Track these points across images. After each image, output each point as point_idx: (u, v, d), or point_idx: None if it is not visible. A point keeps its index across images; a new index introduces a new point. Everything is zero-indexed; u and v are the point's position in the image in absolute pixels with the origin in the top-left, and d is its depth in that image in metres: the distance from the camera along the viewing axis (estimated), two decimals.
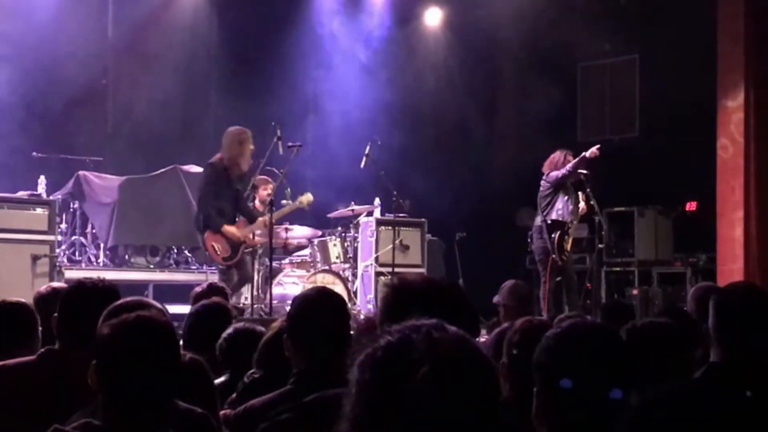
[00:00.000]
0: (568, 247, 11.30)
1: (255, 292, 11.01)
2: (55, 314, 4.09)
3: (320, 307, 3.64)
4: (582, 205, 11.44)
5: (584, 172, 11.37)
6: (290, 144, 10.74)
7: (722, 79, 12.40)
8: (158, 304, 4.24)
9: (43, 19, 12.73)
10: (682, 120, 13.86)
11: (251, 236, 10.61)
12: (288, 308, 11.33)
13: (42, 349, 4.05)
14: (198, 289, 6.81)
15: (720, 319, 3.38)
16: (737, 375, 3.24)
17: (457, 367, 1.63)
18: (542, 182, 11.46)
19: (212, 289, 6.81)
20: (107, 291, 4.06)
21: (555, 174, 11.29)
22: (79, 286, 4.17)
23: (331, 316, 3.59)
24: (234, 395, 4.38)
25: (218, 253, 10.39)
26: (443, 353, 1.63)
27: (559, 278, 11.72)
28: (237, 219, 10.54)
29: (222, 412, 4.15)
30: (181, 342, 4.44)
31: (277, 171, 11.01)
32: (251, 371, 4.45)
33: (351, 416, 1.65)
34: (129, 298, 3.88)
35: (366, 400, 1.63)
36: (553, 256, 11.19)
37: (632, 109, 15.55)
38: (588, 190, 11.37)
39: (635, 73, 15.49)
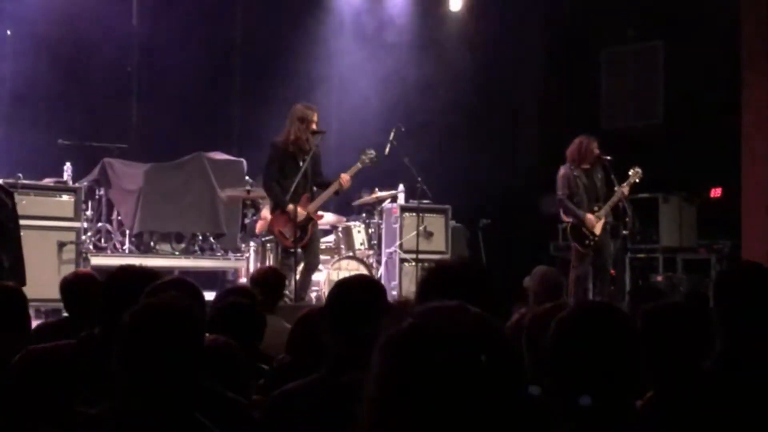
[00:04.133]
0: (598, 231, 11.23)
1: None
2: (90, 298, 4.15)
3: (359, 292, 3.62)
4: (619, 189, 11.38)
5: (607, 158, 11.35)
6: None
7: (747, 63, 12.31)
8: (194, 283, 4.29)
9: (68, 5, 12.78)
10: (706, 105, 13.77)
11: (315, 211, 10.44)
12: (312, 294, 11.28)
13: (83, 333, 4.10)
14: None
15: (718, 300, 3.34)
16: (737, 361, 3.23)
17: (478, 349, 1.61)
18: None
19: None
20: (149, 277, 4.13)
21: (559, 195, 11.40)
22: (123, 270, 4.24)
23: (370, 301, 3.57)
24: (262, 380, 4.39)
25: (287, 237, 10.26)
26: (464, 335, 1.62)
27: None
28: (304, 196, 10.33)
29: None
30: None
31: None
32: (280, 356, 4.48)
33: (371, 398, 1.64)
34: (169, 278, 3.94)
35: (386, 383, 1.63)
36: (573, 243, 11.29)
37: (656, 94, 15.45)
38: (612, 176, 11.32)
39: (659, 59, 15.40)
